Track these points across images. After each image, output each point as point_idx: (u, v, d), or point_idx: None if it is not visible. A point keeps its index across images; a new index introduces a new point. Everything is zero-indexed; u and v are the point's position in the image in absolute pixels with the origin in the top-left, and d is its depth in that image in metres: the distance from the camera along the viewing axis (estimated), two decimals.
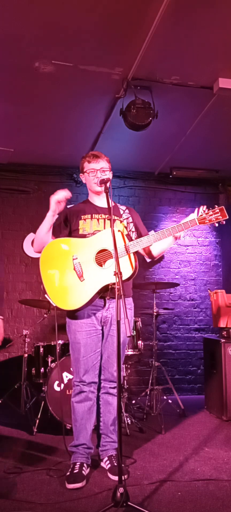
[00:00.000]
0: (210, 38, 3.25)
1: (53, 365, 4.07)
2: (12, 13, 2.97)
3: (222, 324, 4.66)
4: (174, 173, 5.83)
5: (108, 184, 2.81)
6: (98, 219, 3.01)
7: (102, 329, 2.99)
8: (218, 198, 6.31)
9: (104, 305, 2.94)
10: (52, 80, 3.74)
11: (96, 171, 3.01)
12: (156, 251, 3.13)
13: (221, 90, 3.76)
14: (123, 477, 2.35)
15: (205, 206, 2.88)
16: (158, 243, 2.98)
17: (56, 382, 3.93)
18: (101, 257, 2.86)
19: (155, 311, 4.71)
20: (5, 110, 4.26)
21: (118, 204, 3.20)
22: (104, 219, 3.01)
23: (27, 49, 3.34)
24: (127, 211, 3.13)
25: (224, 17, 3.03)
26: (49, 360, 4.24)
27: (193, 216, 2.89)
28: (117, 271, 2.45)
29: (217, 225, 2.83)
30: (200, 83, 3.82)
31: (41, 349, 4.37)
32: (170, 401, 4.47)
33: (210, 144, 5.10)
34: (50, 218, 2.90)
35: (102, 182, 2.89)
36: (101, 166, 3.02)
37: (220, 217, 2.79)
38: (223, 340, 4.42)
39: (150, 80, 3.74)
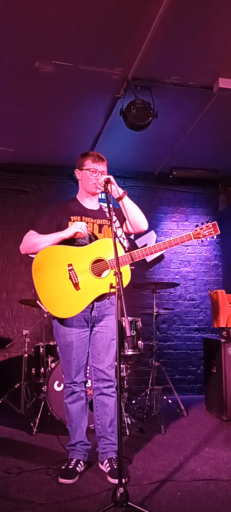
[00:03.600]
0: (210, 38, 3.24)
1: (53, 365, 4.08)
2: (12, 13, 2.96)
3: (222, 324, 4.66)
4: (174, 173, 5.83)
5: (109, 186, 2.80)
6: (87, 223, 2.97)
7: (91, 328, 2.99)
8: (218, 198, 6.32)
9: (93, 307, 2.94)
10: (52, 80, 3.74)
11: (98, 173, 3.00)
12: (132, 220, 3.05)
13: (221, 90, 3.76)
14: (123, 480, 2.35)
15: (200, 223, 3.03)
16: (131, 212, 3.01)
17: (56, 382, 3.93)
18: (97, 267, 2.85)
19: (155, 311, 4.71)
20: (5, 110, 4.26)
21: (103, 206, 3.14)
22: (93, 223, 2.99)
23: (27, 49, 3.34)
24: (112, 213, 3.02)
25: (224, 17, 3.03)
26: (49, 360, 4.24)
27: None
28: (117, 271, 2.45)
29: (208, 239, 3.01)
30: (200, 83, 3.82)
31: (41, 349, 4.38)
32: (170, 401, 4.47)
33: (210, 144, 5.11)
34: (60, 239, 2.87)
35: (108, 181, 2.82)
36: (103, 170, 3.01)
37: (213, 232, 2.97)
38: (223, 340, 4.42)
39: (150, 80, 3.74)
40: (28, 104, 4.17)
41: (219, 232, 2.98)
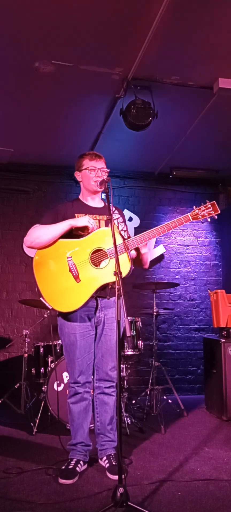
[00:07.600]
0: (210, 38, 3.25)
1: (53, 365, 4.08)
2: (12, 13, 2.96)
3: (222, 324, 4.66)
4: (174, 173, 5.83)
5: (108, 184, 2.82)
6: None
7: (96, 329, 2.99)
8: (218, 198, 6.31)
9: (97, 305, 2.94)
10: (52, 80, 3.74)
11: (98, 170, 3.01)
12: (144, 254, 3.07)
13: (221, 90, 3.76)
14: (122, 475, 2.35)
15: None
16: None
17: (56, 382, 3.93)
18: (97, 257, 2.85)
19: (155, 311, 4.71)
20: (5, 110, 4.26)
21: (106, 204, 3.17)
22: (99, 220, 3.00)
23: (27, 49, 3.34)
24: (116, 212, 3.12)
25: (224, 17, 3.03)
26: (49, 360, 4.24)
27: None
28: (116, 271, 2.45)
29: (209, 220, 2.91)
30: (200, 83, 3.82)
31: (41, 349, 4.37)
32: (170, 401, 4.47)
33: (210, 144, 5.11)
34: (69, 226, 2.86)
35: (103, 182, 2.88)
36: (102, 166, 3.04)
37: (212, 212, 2.89)
38: (223, 340, 4.42)
39: (150, 80, 3.74)
40: (28, 104, 4.18)
41: (219, 212, 2.88)
